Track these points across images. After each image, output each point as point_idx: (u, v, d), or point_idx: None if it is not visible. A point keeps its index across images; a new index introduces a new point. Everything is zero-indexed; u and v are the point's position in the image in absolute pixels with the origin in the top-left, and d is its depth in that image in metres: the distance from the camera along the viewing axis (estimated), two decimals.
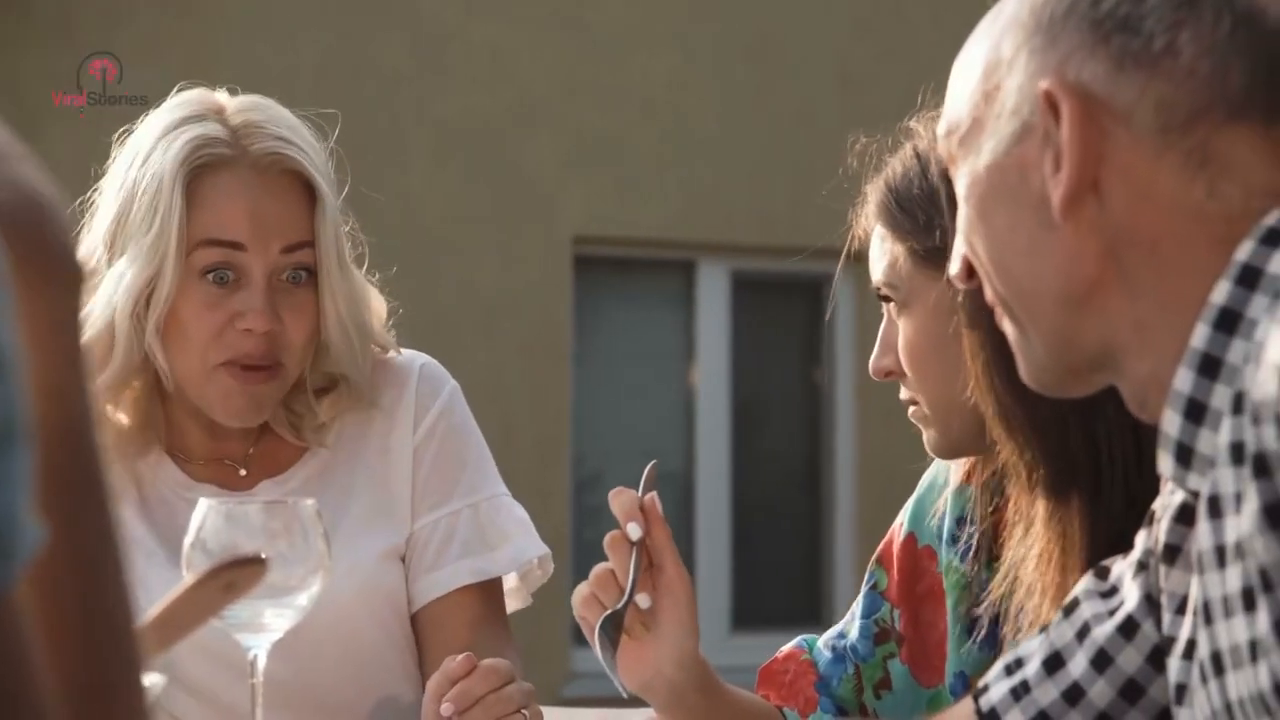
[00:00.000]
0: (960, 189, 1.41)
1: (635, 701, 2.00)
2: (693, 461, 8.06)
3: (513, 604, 2.29)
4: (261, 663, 1.63)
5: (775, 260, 8.03)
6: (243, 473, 2.22)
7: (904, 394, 1.92)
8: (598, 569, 1.89)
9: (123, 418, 2.17)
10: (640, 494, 1.89)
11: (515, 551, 2.22)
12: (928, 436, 1.90)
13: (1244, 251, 1.27)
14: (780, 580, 8.19)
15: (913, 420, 1.92)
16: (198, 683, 2.11)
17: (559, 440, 7.68)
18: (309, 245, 2.15)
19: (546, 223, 7.71)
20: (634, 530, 1.86)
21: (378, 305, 2.25)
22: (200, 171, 2.12)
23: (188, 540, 1.62)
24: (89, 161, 2.25)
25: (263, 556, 1.22)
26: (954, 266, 1.44)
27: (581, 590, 1.89)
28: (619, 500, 1.89)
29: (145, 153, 2.14)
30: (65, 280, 0.90)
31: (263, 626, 1.62)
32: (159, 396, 2.19)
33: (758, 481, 8.20)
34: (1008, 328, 1.41)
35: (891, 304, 1.92)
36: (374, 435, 2.23)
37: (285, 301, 2.14)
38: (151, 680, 1.36)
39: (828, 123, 7.38)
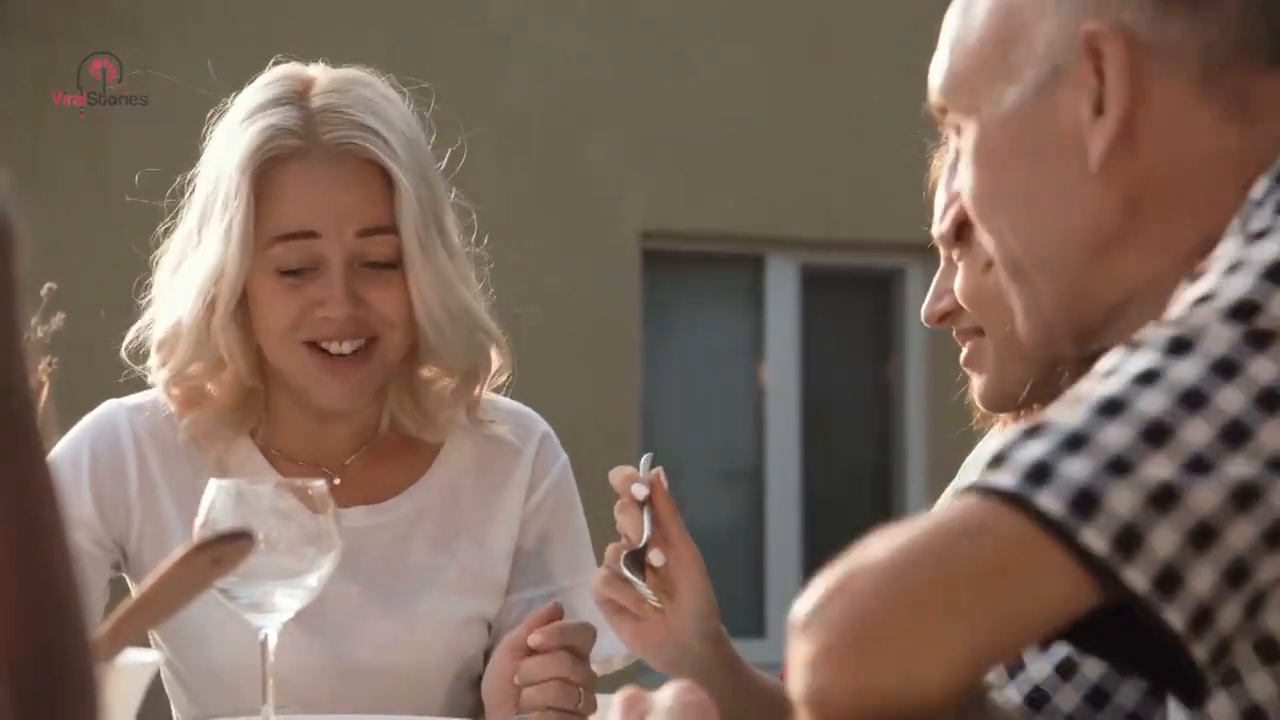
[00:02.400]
0: (967, 142, 1.36)
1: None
2: (763, 459, 8.04)
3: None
4: (272, 643, 1.63)
5: (844, 255, 8.00)
6: (337, 481, 2.12)
7: (960, 330, 1.85)
8: (610, 548, 1.88)
9: (215, 398, 2.13)
10: (642, 474, 1.87)
11: (609, 641, 2.12)
12: (980, 383, 1.82)
13: (1259, 190, 1.24)
14: None
15: (965, 368, 1.86)
16: (229, 670, 2.10)
17: (628, 438, 7.67)
18: (389, 231, 2.07)
19: (613, 219, 7.71)
20: (639, 490, 1.84)
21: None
22: (270, 164, 2.06)
23: (198, 521, 1.61)
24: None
25: (250, 533, 1.21)
26: (941, 225, 1.40)
27: (600, 574, 1.88)
28: (619, 474, 1.87)
29: (224, 141, 2.10)
30: None
31: (274, 607, 1.61)
32: (262, 382, 2.14)
33: (828, 478, 8.17)
34: (1010, 287, 1.36)
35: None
36: (483, 495, 2.19)
37: (370, 282, 2.07)
38: (149, 658, 1.36)
39: (890, 116, 7.34)
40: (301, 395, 2.12)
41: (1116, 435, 1.09)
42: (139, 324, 2.16)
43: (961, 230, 1.39)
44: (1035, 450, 1.10)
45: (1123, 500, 1.07)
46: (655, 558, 1.85)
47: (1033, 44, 1.31)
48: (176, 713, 2.19)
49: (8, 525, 0.86)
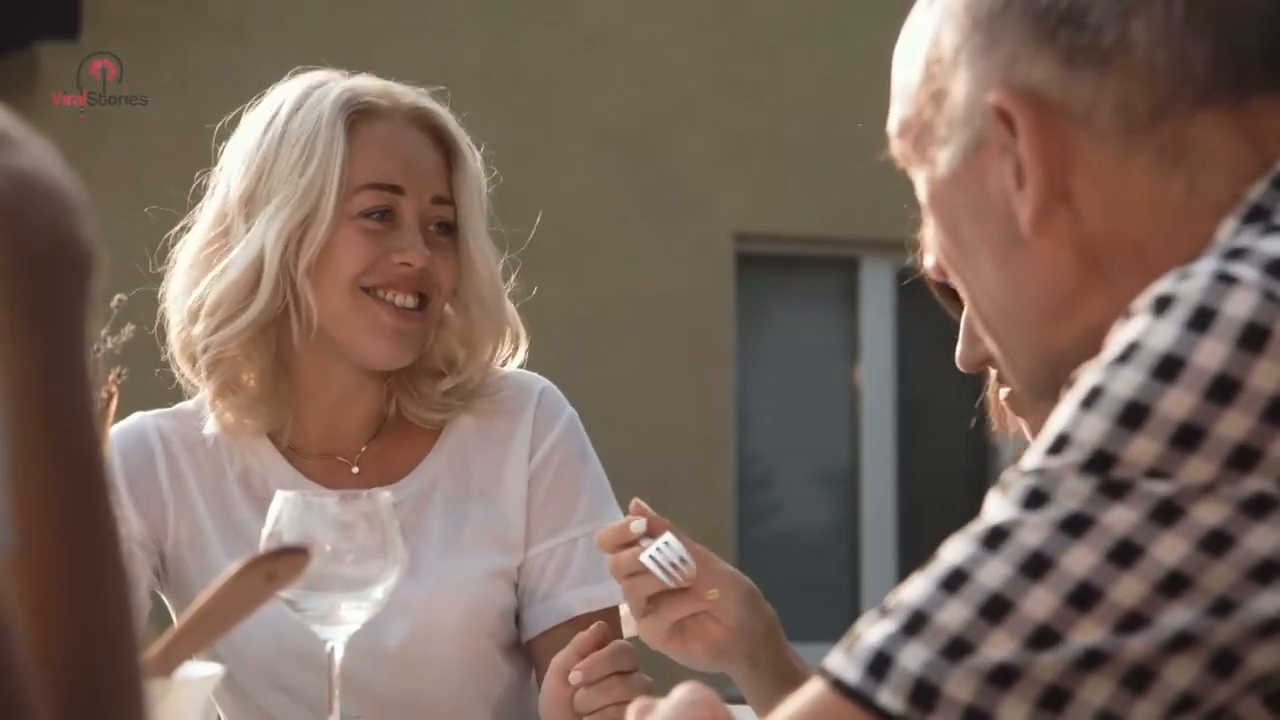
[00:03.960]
0: (921, 195, 1.33)
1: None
2: (858, 461, 8.01)
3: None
4: (339, 655, 1.63)
5: None
6: (355, 470, 2.22)
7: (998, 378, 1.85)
8: (631, 603, 1.90)
9: (248, 386, 2.17)
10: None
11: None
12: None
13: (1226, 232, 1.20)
14: None
15: (1011, 408, 1.86)
16: (287, 681, 2.12)
17: (722, 440, 7.66)
18: (451, 203, 2.19)
19: (707, 220, 7.69)
20: (638, 525, 1.86)
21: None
22: (358, 117, 2.17)
23: (265, 531, 1.63)
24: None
25: (304, 548, 1.21)
26: (929, 260, 1.35)
27: (654, 626, 1.89)
28: (608, 540, 1.88)
29: (290, 109, 2.16)
30: (66, 268, 0.88)
31: (339, 619, 1.61)
32: (285, 374, 2.19)
33: (923, 480, 8.13)
34: (989, 343, 1.33)
35: None
36: (488, 456, 2.23)
37: (433, 246, 2.18)
38: (211, 670, 1.36)
39: None
40: (346, 351, 2.17)
41: (955, 614, 1.09)
42: (196, 290, 2.19)
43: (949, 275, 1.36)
44: (879, 634, 1.11)
45: (961, 686, 1.08)
46: (671, 541, 1.85)
47: (954, 108, 1.27)
48: (224, 717, 2.21)
49: (67, 560, 0.86)
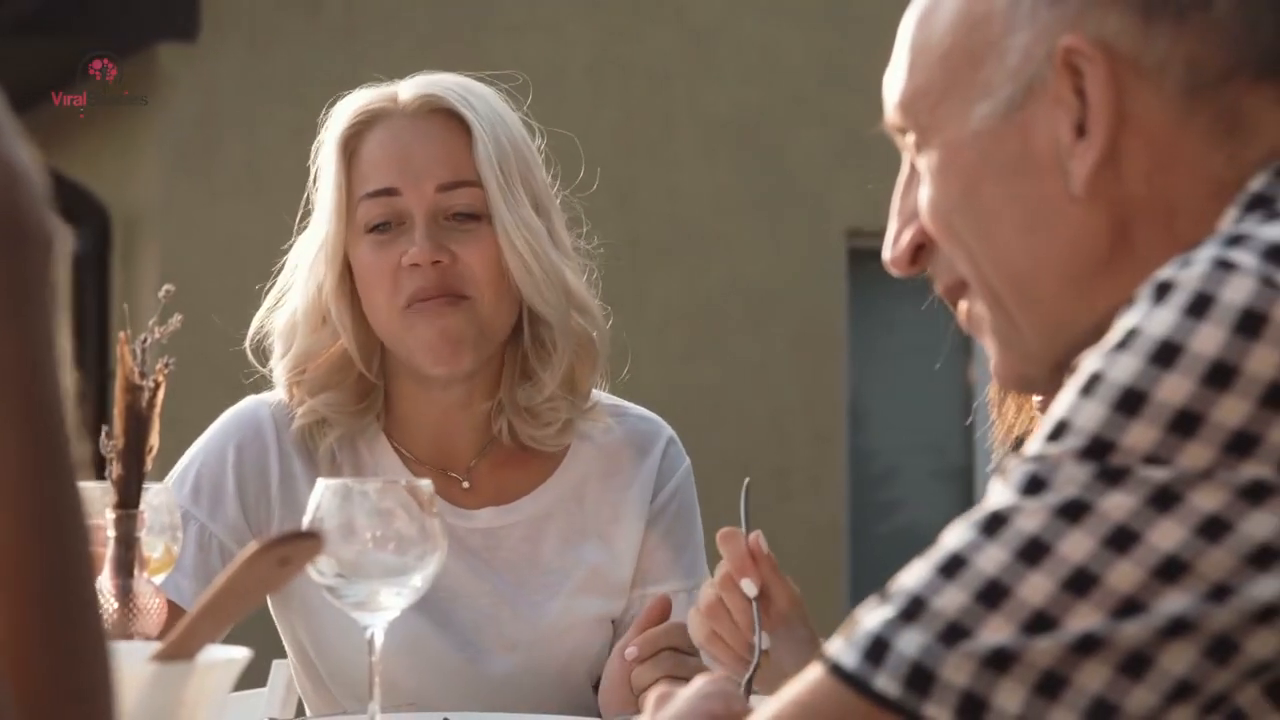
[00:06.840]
0: (930, 161, 1.29)
1: None
2: (972, 457, 7.97)
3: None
4: (379, 642, 1.64)
5: None
6: (465, 485, 2.21)
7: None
8: (710, 600, 1.93)
9: (336, 394, 2.17)
10: (744, 529, 1.92)
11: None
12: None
13: (1227, 222, 1.18)
14: None
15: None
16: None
17: (835, 436, 7.64)
18: (472, 185, 2.13)
19: (819, 216, 7.68)
20: (749, 588, 1.91)
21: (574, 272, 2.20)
22: (358, 130, 2.14)
23: (305, 519, 1.64)
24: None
25: (318, 532, 1.22)
26: (894, 250, 1.32)
27: (701, 624, 1.94)
28: (729, 548, 1.93)
29: (317, 143, 2.19)
30: (26, 247, 0.89)
31: (379, 606, 1.62)
32: (382, 380, 2.20)
33: None
34: (984, 313, 1.29)
35: None
36: (609, 495, 2.22)
37: (456, 236, 2.13)
38: (239, 654, 1.38)
39: None
40: (411, 369, 2.16)
41: (952, 599, 1.09)
42: (258, 315, 2.22)
43: (917, 255, 1.33)
44: (877, 620, 1.11)
45: (957, 670, 1.08)
46: (763, 640, 1.91)
47: (1004, 57, 1.24)
48: (308, 709, 2.23)
49: (25, 536, 0.87)
